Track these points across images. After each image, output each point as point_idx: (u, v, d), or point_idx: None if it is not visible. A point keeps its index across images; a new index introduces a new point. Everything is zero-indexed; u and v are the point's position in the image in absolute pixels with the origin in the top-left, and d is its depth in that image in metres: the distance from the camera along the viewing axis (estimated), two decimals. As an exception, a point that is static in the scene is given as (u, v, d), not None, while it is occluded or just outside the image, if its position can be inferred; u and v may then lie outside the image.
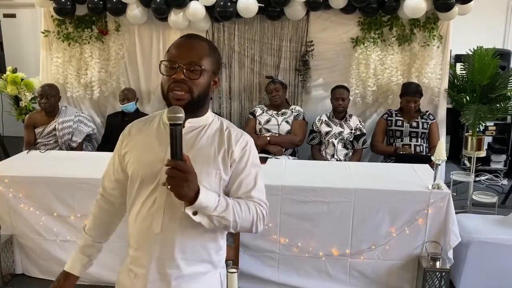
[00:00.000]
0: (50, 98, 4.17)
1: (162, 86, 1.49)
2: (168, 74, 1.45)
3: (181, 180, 1.33)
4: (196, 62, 1.44)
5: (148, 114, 4.48)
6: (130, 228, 1.57)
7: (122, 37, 4.77)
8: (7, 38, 5.39)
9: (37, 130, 4.23)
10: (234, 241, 3.00)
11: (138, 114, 4.44)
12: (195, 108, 1.48)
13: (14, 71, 4.81)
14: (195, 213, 1.41)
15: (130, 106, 4.45)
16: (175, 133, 1.34)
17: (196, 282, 1.54)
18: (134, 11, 4.44)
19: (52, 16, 4.75)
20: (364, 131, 4.36)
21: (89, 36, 4.72)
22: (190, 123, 1.50)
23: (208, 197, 1.40)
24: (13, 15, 6.47)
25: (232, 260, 2.99)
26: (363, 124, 4.40)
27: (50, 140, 4.21)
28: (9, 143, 5.17)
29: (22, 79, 4.74)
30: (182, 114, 1.36)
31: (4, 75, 4.77)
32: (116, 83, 4.84)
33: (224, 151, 1.50)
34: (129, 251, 1.59)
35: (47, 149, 4.03)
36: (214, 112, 1.61)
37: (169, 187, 1.35)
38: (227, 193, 1.53)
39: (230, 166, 1.51)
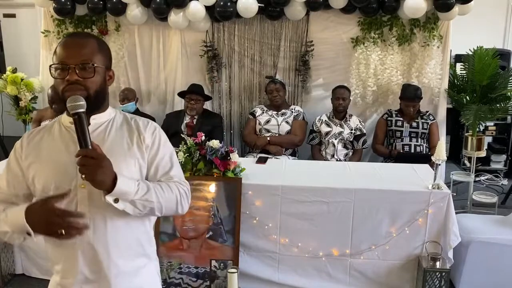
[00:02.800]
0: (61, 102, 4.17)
1: (57, 89, 1.45)
2: (61, 76, 1.41)
3: (94, 167, 1.33)
4: (87, 60, 1.42)
5: (148, 114, 4.55)
6: (55, 241, 1.44)
7: (122, 37, 4.77)
8: (7, 38, 5.39)
9: (43, 124, 4.24)
10: (234, 241, 3.00)
11: (138, 114, 4.44)
12: (94, 105, 1.46)
13: (14, 71, 4.80)
14: (116, 201, 1.39)
15: (130, 106, 4.45)
16: (80, 121, 1.36)
17: (136, 277, 1.56)
18: (134, 11, 4.44)
19: (52, 16, 4.75)
20: (364, 131, 4.36)
21: (89, 36, 4.71)
22: (95, 119, 1.50)
23: (126, 182, 1.40)
24: (13, 15, 6.47)
25: (232, 260, 2.99)
26: (363, 124, 4.40)
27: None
28: (9, 143, 5.17)
29: (22, 79, 4.74)
30: (82, 102, 1.37)
31: (4, 75, 4.77)
32: (116, 83, 4.84)
33: (136, 139, 1.52)
34: (55, 267, 1.54)
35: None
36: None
37: (83, 176, 1.33)
38: (147, 179, 1.53)
39: (146, 153, 1.52)
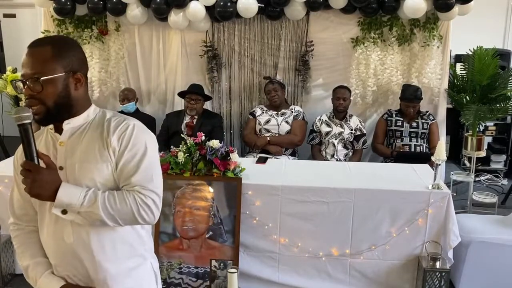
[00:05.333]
0: None
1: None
2: (23, 90, 1.42)
3: (30, 181, 1.34)
4: (36, 73, 1.39)
5: (148, 114, 4.54)
6: (44, 245, 1.54)
7: (122, 37, 4.77)
8: (7, 38, 5.39)
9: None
10: (234, 241, 3.00)
11: (138, 114, 4.45)
12: (59, 115, 1.45)
13: (14, 71, 4.80)
14: (64, 212, 1.39)
15: (130, 106, 4.45)
16: (25, 132, 1.36)
17: (129, 278, 1.55)
18: (134, 11, 4.44)
19: (52, 16, 4.75)
20: (364, 131, 4.36)
21: (89, 36, 4.72)
22: (69, 123, 1.48)
23: (69, 194, 1.38)
24: (13, 15, 6.47)
25: (232, 260, 3.00)
26: (363, 124, 4.40)
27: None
28: (9, 143, 5.17)
29: (22, 79, 4.74)
30: (27, 113, 1.36)
31: (4, 75, 4.77)
32: (116, 83, 4.84)
33: (105, 142, 1.46)
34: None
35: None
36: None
37: (24, 188, 1.36)
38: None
39: (114, 156, 1.46)
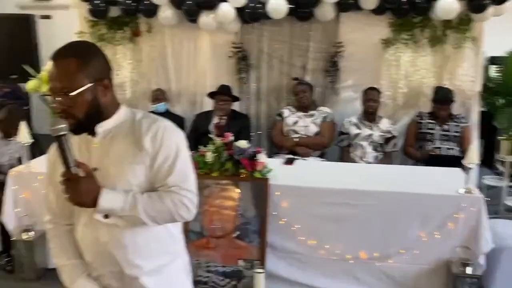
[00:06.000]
0: None
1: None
2: (55, 103, 1.43)
3: (71, 190, 1.37)
4: (64, 88, 1.39)
5: (178, 115, 4.60)
6: (80, 243, 1.58)
7: (154, 38, 4.85)
8: (43, 39, 5.54)
9: None
10: (261, 242, 3.01)
11: (168, 114, 4.51)
12: (90, 125, 1.47)
13: (49, 71, 4.93)
14: (106, 217, 1.43)
15: (160, 107, 4.52)
16: (60, 144, 1.38)
17: (161, 274, 1.58)
18: (166, 12, 4.50)
19: (86, 18, 4.86)
20: (395, 134, 4.30)
21: (122, 37, 4.82)
22: (102, 127, 1.49)
23: (110, 199, 1.41)
24: (49, 17, 6.65)
25: (259, 260, 3.00)
26: (393, 126, 4.34)
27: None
28: (44, 141, 5.30)
29: (56, 79, 4.86)
30: (62, 125, 1.37)
31: (39, 75, 4.91)
32: (148, 83, 4.92)
33: (137, 144, 1.47)
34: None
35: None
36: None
37: (66, 197, 1.39)
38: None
39: (147, 157, 1.48)
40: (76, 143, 1.53)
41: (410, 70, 4.44)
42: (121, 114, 1.53)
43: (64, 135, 1.37)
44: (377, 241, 3.00)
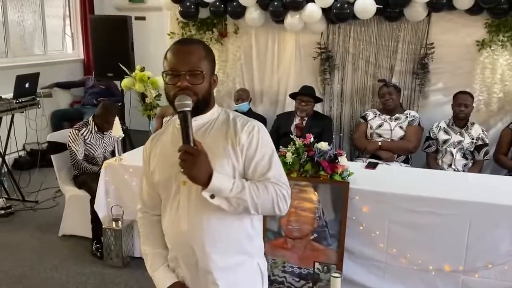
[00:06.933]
0: None
1: (167, 94, 1.53)
2: (172, 82, 1.50)
3: (191, 162, 1.39)
4: (196, 67, 1.49)
5: (260, 114, 4.66)
6: (164, 232, 1.66)
7: (240, 39, 4.96)
8: (137, 39, 5.86)
9: (165, 119, 4.57)
10: (339, 246, 2.97)
11: (250, 114, 4.58)
12: (201, 108, 1.54)
13: (142, 70, 5.21)
14: (212, 197, 1.45)
15: (243, 106, 4.60)
16: (184, 119, 1.43)
17: (234, 272, 1.60)
18: (253, 14, 4.58)
19: (177, 19, 5.08)
20: (487, 141, 4.04)
21: (210, 38, 4.98)
22: (196, 120, 1.54)
23: (222, 179, 1.45)
24: (143, 18, 7.03)
25: (336, 265, 2.97)
26: (486, 133, 4.08)
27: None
28: (135, 136, 5.62)
29: (148, 78, 5.12)
30: (189, 101, 1.45)
31: (133, 73, 5.20)
32: (232, 83, 5.04)
33: (231, 140, 1.53)
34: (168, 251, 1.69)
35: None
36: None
37: (181, 170, 1.40)
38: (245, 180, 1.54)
39: (241, 153, 1.53)
40: (169, 135, 1.63)
41: (506, 74, 4.17)
42: (215, 111, 1.61)
43: (189, 111, 1.45)
44: (463, 254, 2.84)
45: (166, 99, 1.57)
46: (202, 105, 1.53)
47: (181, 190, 1.55)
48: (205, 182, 1.43)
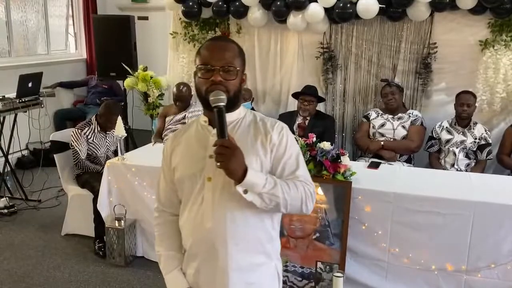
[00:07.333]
0: (184, 100, 4.48)
1: (199, 89, 1.54)
2: (205, 77, 1.51)
3: (229, 156, 1.40)
4: (230, 63, 1.52)
5: (262, 114, 4.65)
6: (183, 228, 1.65)
7: (243, 39, 4.96)
8: (140, 39, 5.87)
9: (168, 119, 4.57)
10: (341, 245, 2.97)
11: (253, 113, 4.57)
12: (231, 105, 1.54)
13: (145, 69, 5.23)
14: (245, 192, 1.46)
15: (246, 106, 4.57)
16: (220, 114, 1.45)
17: (253, 273, 1.60)
18: (255, 13, 4.59)
19: (180, 19, 5.09)
20: (490, 141, 4.03)
21: (212, 37, 4.98)
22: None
23: (256, 174, 1.46)
24: (146, 18, 7.04)
25: (338, 264, 2.97)
26: (489, 133, 4.08)
27: (178, 127, 4.49)
28: (137, 135, 5.64)
29: (151, 77, 5.14)
30: (223, 97, 1.47)
31: (136, 73, 5.22)
32: (234, 82, 5.03)
33: (261, 138, 1.56)
34: (184, 248, 1.68)
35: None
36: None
37: (218, 164, 1.41)
38: None
39: (271, 152, 1.56)
40: (193, 132, 1.63)
41: (509, 74, 4.16)
42: (241, 110, 1.63)
43: (223, 106, 1.46)
44: (466, 253, 2.83)
45: (197, 95, 1.58)
46: (233, 102, 1.54)
47: (206, 186, 1.55)
48: (240, 176, 1.44)
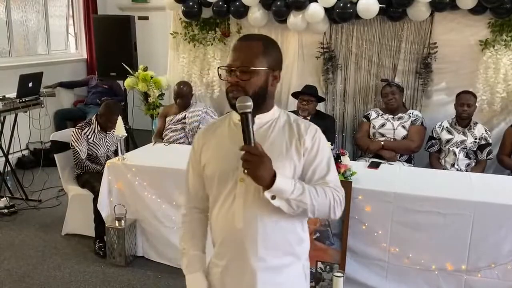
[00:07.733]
0: (185, 98, 4.48)
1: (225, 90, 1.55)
2: (226, 78, 1.54)
3: (256, 163, 1.40)
4: (247, 64, 1.50)
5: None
6: (213, 226, 1.64)
7: (243, 38, 4.94)
8: (140, 39, 5.87)
9: (168, 118, 4.57)
10: (341, 245, 2.97)
11: (253, 113, 4.57)
12: (256, 105, 1.51)
13: (145, 69, 5.23)
14: (273, 198, 1.45)
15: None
16: (246, 120, 1.43)
17: (280, 274, 1.59)
18: (255, 13, 4.59)
19: (180, 19, 5.09)
20: (490, 141, 4.04)
21: (213, 38, 4.98)
22: (259, 118, 1.56)
23: (284, 180, 1.45)
24: (146, 18, 7.05)
25: (338, 264, 2.97)
26: (489, 133, 4.08)
27: (178, 127, 4.50)
28: (138, 135, 5.63)
29: (151, 77, 5.14)
30: (250, 103, 1.45)
31: (136, 73, 5.22)
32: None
33: (295, 142, 1.55)
34: (213, 247, 1.67)
35: (174, 135, 4.42)
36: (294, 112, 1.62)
37: (245, 171, 1.40)
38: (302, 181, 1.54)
39: (303, 155, 1.55)
40: (226, 130, 1.62)
41: (510, 74, 4.16)
42: (276, 111, 1.63)
43: (249, 112, 1.45)
44: (466, 253, 2.84)
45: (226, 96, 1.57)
46: (256, 101, 1.51)
47: (238, 187, 1.54)
48: (268, 183, 1.43)
